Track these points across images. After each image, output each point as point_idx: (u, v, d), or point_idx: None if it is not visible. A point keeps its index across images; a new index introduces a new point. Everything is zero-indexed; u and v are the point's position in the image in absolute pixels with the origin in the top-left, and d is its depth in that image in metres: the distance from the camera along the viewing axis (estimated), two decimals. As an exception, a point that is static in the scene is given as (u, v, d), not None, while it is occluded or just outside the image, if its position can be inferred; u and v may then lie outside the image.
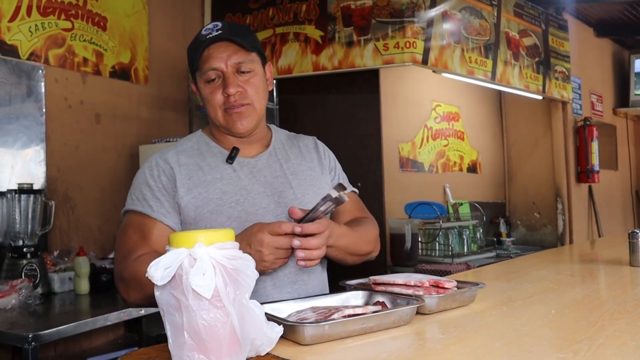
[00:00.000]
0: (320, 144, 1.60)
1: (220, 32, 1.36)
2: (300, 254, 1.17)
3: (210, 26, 1.39)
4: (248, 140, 1.46)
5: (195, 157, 1.43)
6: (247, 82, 1.38)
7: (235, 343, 0.84)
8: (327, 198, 1.15)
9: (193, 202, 1.36)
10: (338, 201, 1.15)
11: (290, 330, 0.98)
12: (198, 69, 1.39)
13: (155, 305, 1.26)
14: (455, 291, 1.23)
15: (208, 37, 1.36)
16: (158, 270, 0.82)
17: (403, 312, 1.08)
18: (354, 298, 1.24)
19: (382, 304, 1.18)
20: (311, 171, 1.51)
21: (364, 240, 1.42)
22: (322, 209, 1.16)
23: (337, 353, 0.94)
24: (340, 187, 1.15)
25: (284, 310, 1.12)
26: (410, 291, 1.21)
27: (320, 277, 1.49)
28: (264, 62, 1.47)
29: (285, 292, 1.37)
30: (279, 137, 1.55)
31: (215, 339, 0.82)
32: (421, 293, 1.20)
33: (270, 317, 1.04)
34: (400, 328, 1.07)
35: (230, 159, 1.42)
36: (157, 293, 0.85)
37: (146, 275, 0.82)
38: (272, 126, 1.59)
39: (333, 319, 0.99)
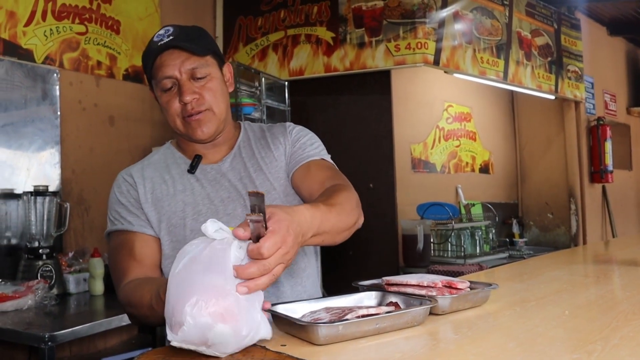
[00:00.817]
0: (291, 126, 1.48)
1: (171, 37, 1.31)
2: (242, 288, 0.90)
3: (161, 32, 1.34)
4: (212, 145, 1.42)
5: (160, 170, 1.42)
6: (204, 88, 1.34)
7: (238, 313, 0.88)
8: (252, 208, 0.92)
9: (157, 216, 1.35)
10: (252, 205, 0.91)
11: (304, 330, 0.99)
12: (153, 78, 1.35)
13: (148, 323, 1.28)
14: (468, 292, 1.23)
15: (159, 44, 1.31)
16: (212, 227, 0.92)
17: (416, 313, 1.08)
18: (367, 298, 1.24)
19: (395, 304, 1.18)
20: (277, 161, 1.43)
21: (345, 212, 1.21)
22: (254, 218, 0.90)
23: (350, 353, 0.95)
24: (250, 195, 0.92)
25: (297, 310, 1.12)
26: (423, 292, 1.21)
27: (306, 273, 1.44)
28: (221, 63, 1.41)
29: (269, 295, 1.34)
30: (247, 134, 1.49)
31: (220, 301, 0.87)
32: (434, 294, 1.20)
33: (284, 317, 1.05)
34: (413, 328, 1.07)
35: (192, 168, 1.39)
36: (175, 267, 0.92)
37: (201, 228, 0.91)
38: (245, 123, 1.53)
39: (347, 319, 1.00)
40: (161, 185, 1.39)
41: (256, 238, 0.91)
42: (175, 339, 0.88)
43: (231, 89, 1.45)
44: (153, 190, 1.38)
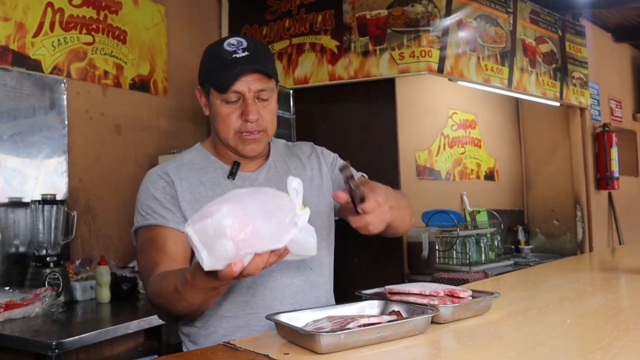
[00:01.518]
0: (318, 148, 1.59)
1: (247, 53, 1.32)
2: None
3: (233, 42, 1.34)
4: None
5: (195, 172, 1.42)
6: (265, 109, 1.37)
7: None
8: (347, 179, 1.15)
9: None
10: (345, 176, 1.16)
11: (307, 339, 1.00)
12: (219, 87, 1.34)
13: (174, 313, 1.29)
14: (470, 301, 1.24)
15: (234, 56, 1.31)
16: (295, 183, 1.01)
17: (418, 322, 1.09)
18: (369, 307, 1.25)
19: (398, 313, 1.19)
20: (312, 180, 1.50)
21: (405, 200, 1.49)
22: (355, 183, 1.16)
23: (352, 362, 0.96)
24: (342, 169, 1.17)
25: (300, 319, 1.14)
26: (425, 300, 1.22)
27: (324, 288, 1.48)
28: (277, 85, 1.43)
29: (287, 304, 1.36)
30: (277, 148, 1.54)
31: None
32: (436, 302, 1.21)
33: (287, 326, 1.06)
34: (415, 337, 1.08)
35: (232, 174, 1.41)
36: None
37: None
38: None
39: (349, 328, 1.01)
40: (198, 187, 1.39)
41: (359, 200, 1.13)
42: (192, 227, 0.92)
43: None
44: (191, 191, 1.38)
